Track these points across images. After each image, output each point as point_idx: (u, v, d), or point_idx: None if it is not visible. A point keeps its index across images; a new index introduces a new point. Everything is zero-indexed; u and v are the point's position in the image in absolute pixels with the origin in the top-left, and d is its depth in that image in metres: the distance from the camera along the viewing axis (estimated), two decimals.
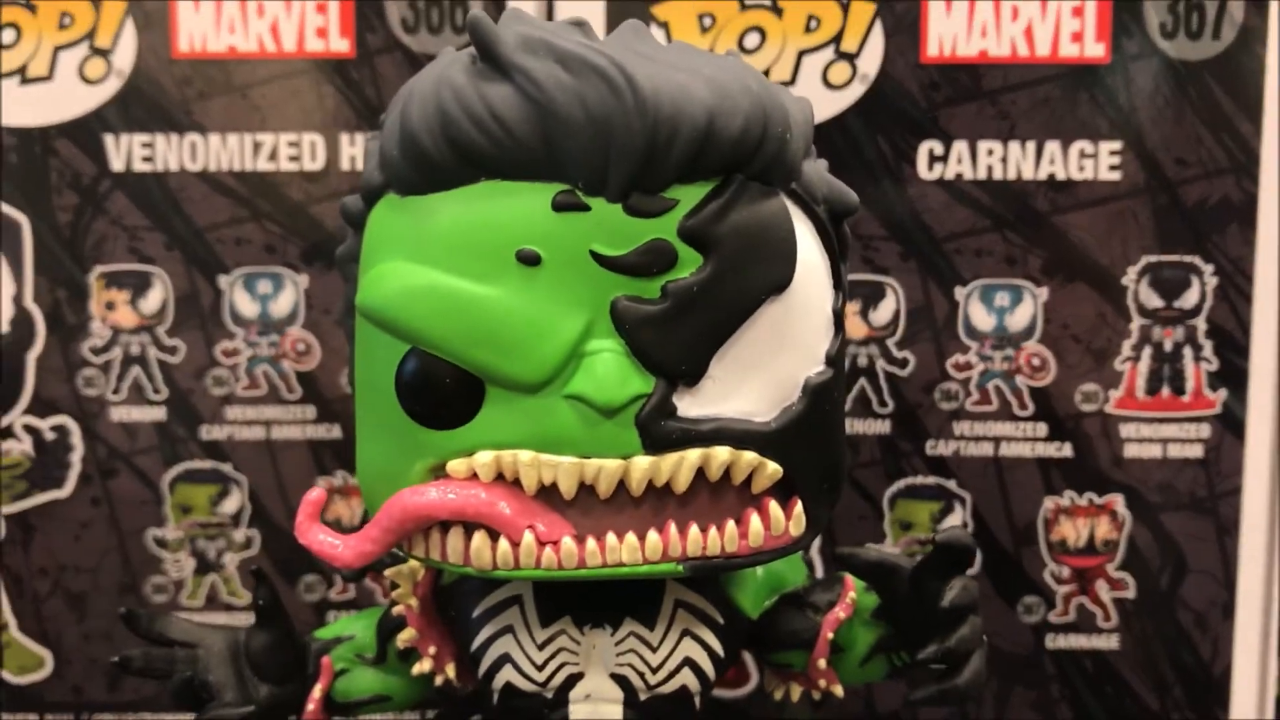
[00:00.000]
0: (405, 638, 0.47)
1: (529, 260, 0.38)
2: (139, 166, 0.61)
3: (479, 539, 0.40)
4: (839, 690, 0.47)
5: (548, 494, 0.40)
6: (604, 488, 0.39)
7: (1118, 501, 0.62)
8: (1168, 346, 0.61)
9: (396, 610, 0.47)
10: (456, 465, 0.40)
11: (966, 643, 0.42)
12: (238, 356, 0.63)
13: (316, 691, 0.48)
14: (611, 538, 0.40)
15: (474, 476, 0.40)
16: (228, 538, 0.64)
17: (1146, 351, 0.61)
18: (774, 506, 0.41)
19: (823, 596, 0.47)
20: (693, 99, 0.38)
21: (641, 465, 0.39)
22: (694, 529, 0.40)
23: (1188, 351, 0.61)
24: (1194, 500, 0.61)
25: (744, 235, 0.39)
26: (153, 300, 0.63)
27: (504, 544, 0.40)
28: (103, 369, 0.63)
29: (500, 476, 0.40)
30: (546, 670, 0.44)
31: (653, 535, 0.40)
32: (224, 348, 0.63)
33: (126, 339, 0.63)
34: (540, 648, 0.44)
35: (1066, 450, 0.61)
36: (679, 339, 0.39)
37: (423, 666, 0.47)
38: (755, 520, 0.41)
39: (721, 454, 0.39)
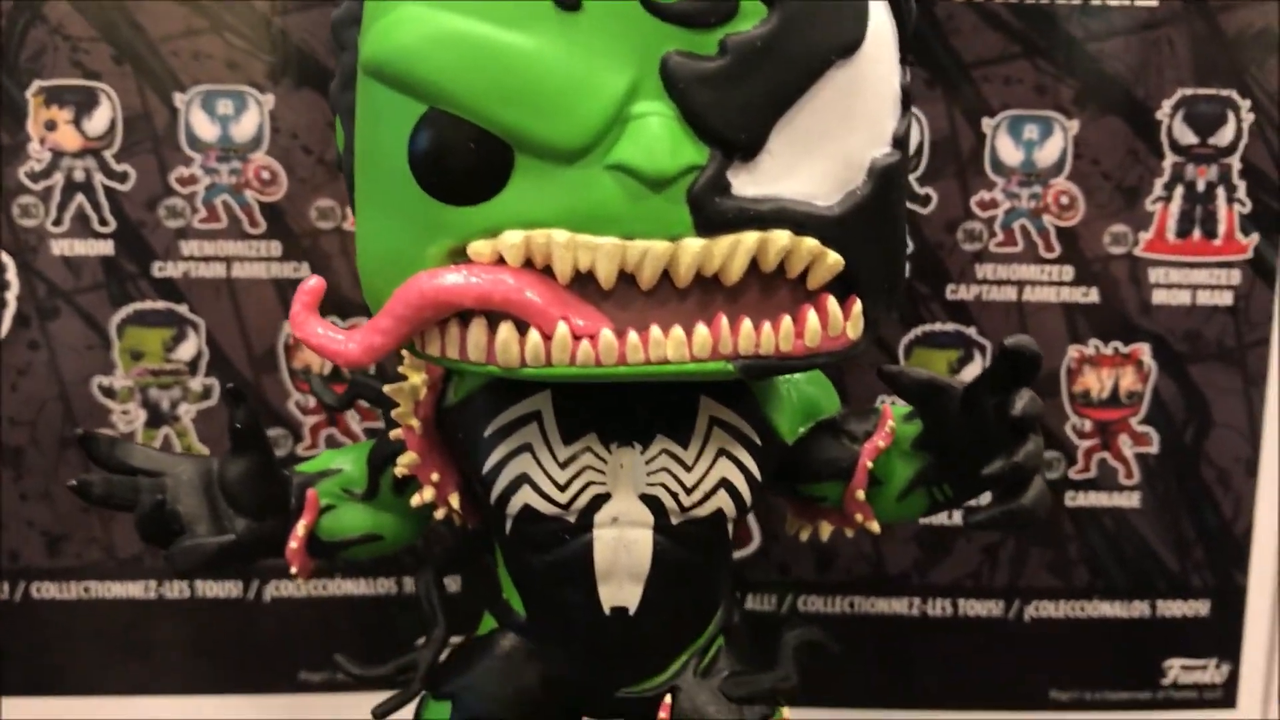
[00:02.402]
0: (405, 462, 0.42)
1: (568, 5, 0.34)
2: None
3: (505, 331, 0.35)
4: (875, 526, 0.43)
5: (581, 285, 0.35)
6: (648, 274, 0.35)
7: (1144, 351, 0.58)
8: (1200, 186, 0.57)
9: (395, 434, 0.42)
10: (480, 247, 0.35)
11: (1034, 458, 0.38)
12: (195, 185, 0.57)
13: (300, 528, 0.43)
14: (655, 331, 0.35)
15: (500, 261, 0.35)
16: (183, 386, 0.58)
17: (1178, 191, 0.57)
18: (832, 303, 0.37)
19: (859, 426, 0.43)
20: None
21: (692, 248, 0.34)
22: (746, 323, 0.36)
23: (1221, 192, 0.58)
24: (1222, 350, 0.58)
25: None
26: (99, 120, 0.56)
27: (534, 337, 0.35)
28: (42, 197, 0.57)
29: (529, 264, 0.35)
30: (569, 491, 0.39)
31: (701, 329, 0.36)
32: (179, 175, 0.57)
33: (69, 163, 0.56)
34: (563, 466, 0.39)
35: (1093, 295, 0.58)
36: (738, 102, 0.34)
37: (423, 496, 0.43)
38: (812, 317, 0.37)
39: (781, 239, 0.35)
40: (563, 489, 0.39)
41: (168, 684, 0.60)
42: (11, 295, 0.57)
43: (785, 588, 0.60)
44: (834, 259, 0.36)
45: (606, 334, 0.35)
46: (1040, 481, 0.39)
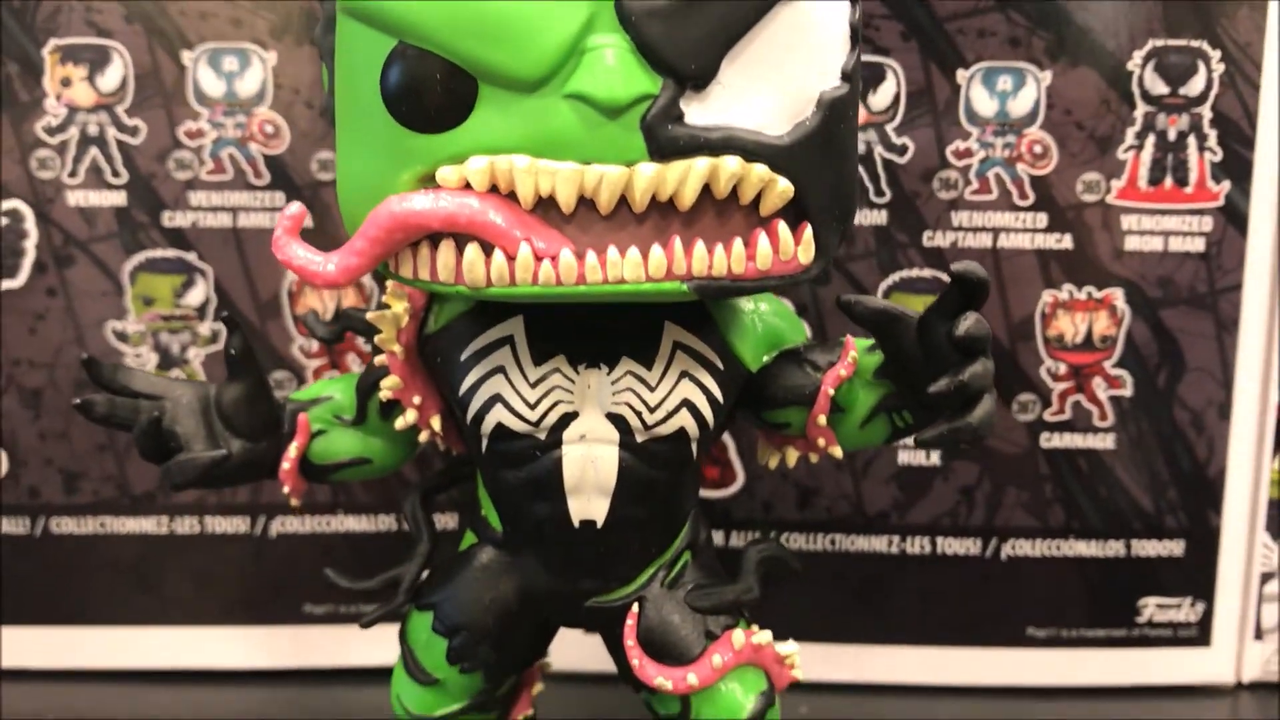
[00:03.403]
0: (389, 385, 0.44)
1: None
2: None
3: (472, 252, 0.38)
4: (838, 451, 0.45)
5: (544, 209, 0.38)
6: (605, 199, 0.37)
7: (1117, 296, 0.60)
8: (1171, 135, 0.59)
9: (379, 360, 0.45)
10: (447, 173, 0.38)
11: (979, 379, 0.40)
12: (202, 138, 0.59)
13: (292, 450, 0.46)
14: (613, 252, 0.37)
15: (467, 186, 0.37)
16: (192, 331, 0.61)
17: (1150, 140, 0.59)
18: (783, 229, 0.39)
19: (823, 356, 0.45)
20: None
21: (646, 174, 0.37)
22: (699, 246, 0.38)
23: (1192, 141, 0.59)
24: (1194, 295, 0.60)
25: None
26: (111, 77, 0.59)
27: (499, 257, 0.37)
28: (58, 150, 0.59)
29: (495, 189, 0.37)
30: (539, 409, 0.42)
31: (656, 251, 0.38)
32: (187, 129, 0.59)
33: (84, 118, 0.59)
34: (533, 386, 0.42)
35: (1066, 242, 0.59)
36: (689, 35, 0.36)
37: (406, 419, 0.45)
38: (764, 241, 0.39)
39: (731, 165, 0.37)
40: (533, 407, 0.42)
41: (177, 615, 0.63)
42: (30, 244, 0.60)
43: (768, 526, 0.62)
44: (783, 186, 0.38)
45: (566, 255, 0.37)
46: (989, 402, 0.41)
